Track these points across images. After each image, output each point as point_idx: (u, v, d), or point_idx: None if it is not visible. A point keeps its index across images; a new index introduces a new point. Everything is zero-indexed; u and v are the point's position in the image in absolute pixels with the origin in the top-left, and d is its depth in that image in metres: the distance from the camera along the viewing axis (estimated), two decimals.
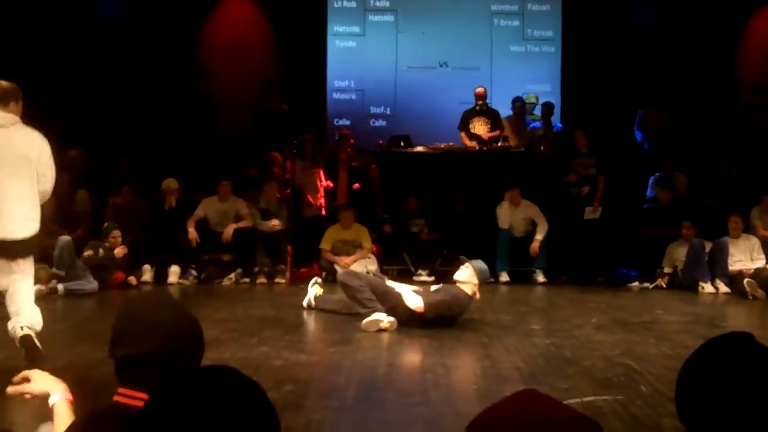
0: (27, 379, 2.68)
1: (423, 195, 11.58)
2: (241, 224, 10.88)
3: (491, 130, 12.24)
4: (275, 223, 10.93)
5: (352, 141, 12.26)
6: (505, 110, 13.16)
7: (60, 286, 9.46)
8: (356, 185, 11.94)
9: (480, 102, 12.27)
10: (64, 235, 10.04)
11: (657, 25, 14.03)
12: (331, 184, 12.11)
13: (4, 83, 6.01)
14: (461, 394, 5.36)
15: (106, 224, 10.34)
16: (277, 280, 10.72)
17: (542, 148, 12.41)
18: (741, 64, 13.89)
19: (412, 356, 6.34)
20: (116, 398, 2.30)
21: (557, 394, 5.18)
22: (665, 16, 13.96)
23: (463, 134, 12.29)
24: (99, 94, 12.48)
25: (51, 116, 12.17)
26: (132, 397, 2.27)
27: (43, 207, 10.31)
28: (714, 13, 13.43)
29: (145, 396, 2.25)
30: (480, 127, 12.24)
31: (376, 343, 6.87)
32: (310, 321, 8.07)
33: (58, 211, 10.98)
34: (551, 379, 5.62)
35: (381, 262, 11.17)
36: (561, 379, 5.61)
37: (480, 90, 12.29)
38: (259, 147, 12.65)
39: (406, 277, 10.89)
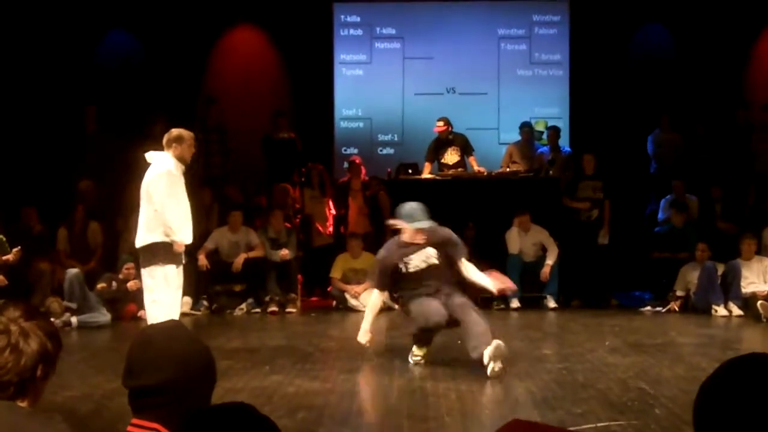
0: None
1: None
2: (252, 254, 10.91)
3: (460, 156, 12.16)
4: (285, 252, 10.96)
5: (363, 169, 12.28)
6: (513, 136, 13.18)
7: (73, 319, 9.48)
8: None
9: (443, 134, 12.06)
10: (73, 268, 10.08)
11: (665, 44, 14.02)
12: (341, 212, 12.13)
13: (173, 130, 7.43)
14: (475, 420, 5.34)
15: (124, 256, 10.32)
16: (289, 309, 10.73)
17: (551, 172, 12.42)
18: (751, 83, 13.86)
19: (424, 382, 6.31)
20: (129, 428, 2.30)
21: (571, 419, 5.16)
22: (674, 34, 13.95)
23: (426, 164, 12.09)
24: (109, 124, 12.54)
25: (61, 147, 12.30)
26: (145, 428, 2.28)
27: (58, 240, 10.70)
28: (725, 30, 13.40)
29: (158, 426, 2.26)
30: (451, 157, 12.15)
31: (388, 370, 6.85)
32: (322, 349, 8.06)
33: (72, 243, 11.04)
34: (565, 404, 5.59)
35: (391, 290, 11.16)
36: (575, 403, 5.58)
37: (440, 126, 12.04)
38: (270, 175, 12.70)
39: None
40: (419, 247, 7.07)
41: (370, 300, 7.53)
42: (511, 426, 1.66)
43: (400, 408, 5.55)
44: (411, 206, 7.16)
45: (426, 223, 7.03)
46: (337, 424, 5.16)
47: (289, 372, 6.70)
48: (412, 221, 7.03)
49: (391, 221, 7.29)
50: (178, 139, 7.38)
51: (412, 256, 7.06)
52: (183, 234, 7.38)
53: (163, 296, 7.31)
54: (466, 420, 5.30)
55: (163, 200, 7.30)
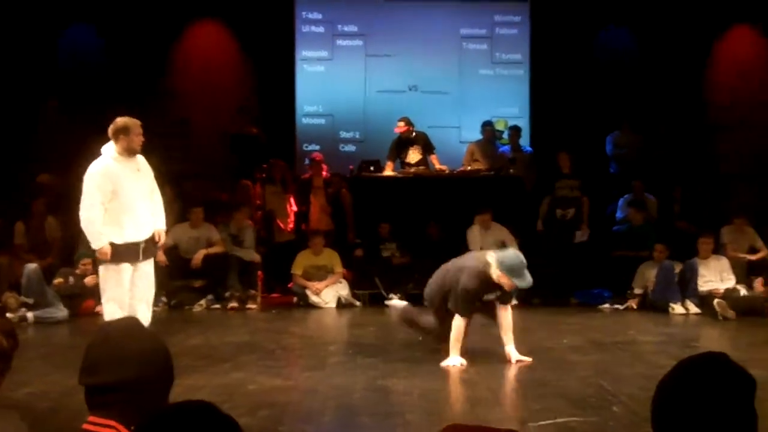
0: None
1: (395, 219, 11.58)
2: (212, 250, 10.85)
3: (422, 154, 12.18)
4: (257, 257, 10.95)
5: (325, 166, 12.27)
6: (475, 134, 13.21)
7: (29, 315, 9.36)
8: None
9: (405, 134, 12.08)
10: (31, 263, 9.94)
11: (627, 44, 14.12)
12: (303, 209, 12.09)
13: (118, 120, 7.05)
14: (438, 417, 5.35)
15: (81, 251, 10.16)
16: (249, 305, 10.68)
17: (512, 171, 12.46)
18: (712, 83, 14.00)
19: (387, 380, 6.31)
20: (85, 426, 2.28)
21: (531, 415, 5.19)
22: (635, 34, 14.05)
23: (389, 163, 12.13)
24: (70, 118, 12.42)
25: (21, 141, 12.16)
26: (101, 425, 2.26)
27: (15, 234, 10.45)
28: (685, 31, 13.51)
29: (114, 423, 2.24)
30: (413, 156, 12.17)
31: (352, 367, 6.85)
32: (284, 346, 8.03)
33: (30, 237, 10.91)
34: (525, 401, 5.63)
35: (353, 286, 11.17)
36: (534, 400, 5.61)
37: (400, 126, 12.07)
38: (233, 171, 12.64)
39: (378, 301, 10.90)
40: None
41: (455, 326, 7.00)
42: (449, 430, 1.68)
43: (363, 405, 5.54)
44: (517, 261, 6.88)
45: (526, 284, 6.91)
46: (300, 422, 5.14)
47: (251, 369, 6.67)
48: (514, 277, 6.83)
49: (495, 275, 6.85)
50: (125, 130, 7.04)
51: (491, 294, 7.06)
52: (111, 236, 6.92)
53: (117, 295, 7.11)
54: (428, 417, 5.31)
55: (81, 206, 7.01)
